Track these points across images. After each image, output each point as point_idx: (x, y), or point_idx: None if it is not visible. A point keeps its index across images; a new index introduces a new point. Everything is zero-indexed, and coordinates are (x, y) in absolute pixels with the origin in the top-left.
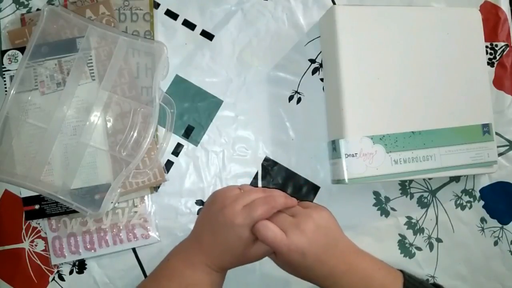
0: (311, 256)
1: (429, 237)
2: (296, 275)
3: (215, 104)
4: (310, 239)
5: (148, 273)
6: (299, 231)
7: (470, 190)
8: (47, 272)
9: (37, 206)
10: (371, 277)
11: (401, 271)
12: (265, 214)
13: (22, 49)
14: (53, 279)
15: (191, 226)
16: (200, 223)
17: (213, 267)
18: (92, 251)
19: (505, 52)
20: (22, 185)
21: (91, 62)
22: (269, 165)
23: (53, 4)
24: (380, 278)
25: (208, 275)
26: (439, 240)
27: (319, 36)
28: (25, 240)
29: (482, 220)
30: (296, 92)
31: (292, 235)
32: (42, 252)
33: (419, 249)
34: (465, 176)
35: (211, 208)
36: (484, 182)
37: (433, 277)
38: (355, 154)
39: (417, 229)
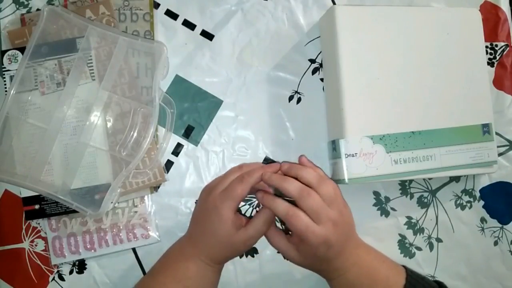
0: (335, 248)
1: (429, 237)
2: (308, 265)
3: (215, 104)
4: (337, 232)
5: None
6: (331, 223)
7: (470, 190)
8: (47, 272)
9: (37, 206)
10: (376, 269)
11: (403, 266)
12: (243, 192)
13: (22, 49)
14: (53, 279)
15: None
16: (192, 219)
17: (205, 260)
18: (92, 251)
19: (505, 52)
20: (22, 185)
21: (91, 62)
22: None
23: (53, 4)
24: (384, 271)
25: (201, 269)
26: (439, 240)
27: (319, 36)
28: (25, 240)
29: (482, 220)
30: (296, 92)
31: (324, 225)
32: (42, 252)
33: (419, 249)
34: (465, 176)
35: (199, 203)
36: (484, 182)
37: (433, 277)
38: (355, 154)
39: (417, 229)
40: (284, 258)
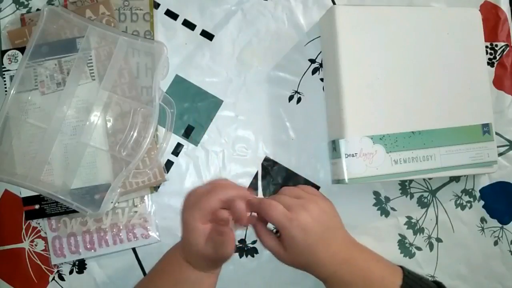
0: (313, 234)
1: (429, 237)
2: (297, 263)
3: (215, 104)
4: (314, 218)
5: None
6: (304, 209)
7: (470, 190)
8: (47, 272)
9: (37, 206)
10: (371, 269)
11: (400, 266)
12: (210, 204)
13: (22, 49)
14: (53, 279)
15: None
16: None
17: (193, 265)
18: (92, 251)
19: (505, 52)
20: (22, 185)
21: (91, 62)
22: (269, 165)
23: (53, 4)
24: (379, 270)
25: (194, 274)
26: (439, 240)
27: (319, 36)
28: (25, 240)
29: (482, 220)
30: (296, 92)
31: (296, 211)
32: (42, 252)
33: (419, 249)
34: (465, 176)
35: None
36: (484, 182)
37: (433, 276)
38: (355, 154)
39: (417, 229)
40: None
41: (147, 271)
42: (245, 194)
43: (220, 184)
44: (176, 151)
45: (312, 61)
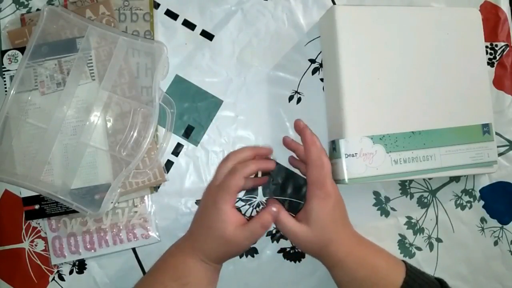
0: (339, 209)
1: (429, 237)
2: (319, 238)
3: (215, 104)
4: (337, 198)
5: None
6: (332, 184)
7: (470, 190)
8: (47, 272)
9: (37, 206)
10: (376, 260)
11: (402, 260)
12: (237, 183)
13: (22, 49)
14: (53, 279)
15: None
16: (193, 217)
17: (202, 258)
18: (92, 251)
19: (505, 52)
20: (22, 185)
21: (91, 62)
22: None
23: (53, 4)
24: (384, 261)
25: (199, 267)
26: (439, 240)
27: (319, 36)
28: (25, 240)
29: (482, 220)
30: (296, 92)
31: (328, 183)
32: (42, 252)
33: (419, 249)
34: (465, 176)
35: (201, 200)
36: (484, 182)
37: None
38: (355, 154)
39: (417, 229)
40: (289, 239)
41: (147, 271)
42: (260, 151)
43: (243, 164)
44: (176, 151)
45: (312, 61)
